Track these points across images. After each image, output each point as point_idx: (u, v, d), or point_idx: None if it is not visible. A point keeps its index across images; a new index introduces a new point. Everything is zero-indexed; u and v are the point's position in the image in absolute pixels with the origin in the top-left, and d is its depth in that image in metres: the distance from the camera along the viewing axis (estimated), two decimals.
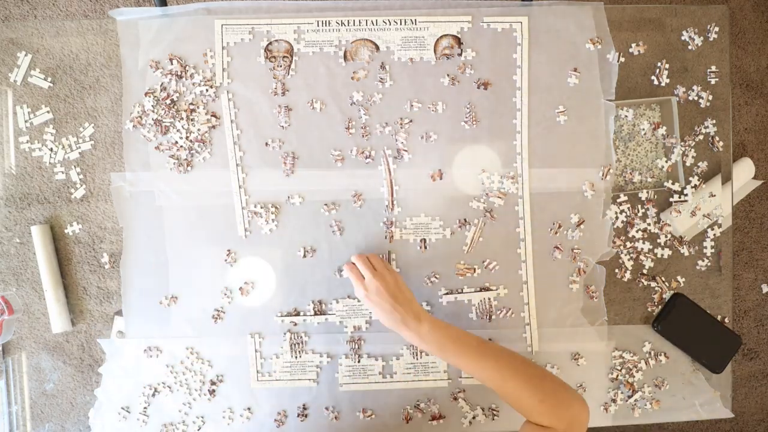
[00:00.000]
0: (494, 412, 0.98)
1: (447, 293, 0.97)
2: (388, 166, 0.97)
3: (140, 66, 0.95)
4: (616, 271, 1.01)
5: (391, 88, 0.96)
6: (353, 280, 0.88)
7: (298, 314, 0.97)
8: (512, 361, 0.81)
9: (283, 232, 0.96)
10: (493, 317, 0.98)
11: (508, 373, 0.80)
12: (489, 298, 0.98)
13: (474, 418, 0.98)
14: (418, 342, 0.83)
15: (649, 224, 1.01)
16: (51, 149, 0.98)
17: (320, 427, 0.97)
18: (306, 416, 0.97)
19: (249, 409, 0.97)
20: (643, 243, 1.01)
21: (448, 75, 0.97)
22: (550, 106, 0.98)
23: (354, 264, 0.90)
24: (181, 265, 0.96)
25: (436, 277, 0.97)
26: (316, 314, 0.97)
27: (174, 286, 0.96)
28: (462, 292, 0.98)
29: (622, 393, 1.00)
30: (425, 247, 0.97)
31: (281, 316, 0.96)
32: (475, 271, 0.97)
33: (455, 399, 0.98)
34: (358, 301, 0.96)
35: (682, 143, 1.01)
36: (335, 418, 0.97)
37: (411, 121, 0.97)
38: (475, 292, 0.98)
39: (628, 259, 1.01)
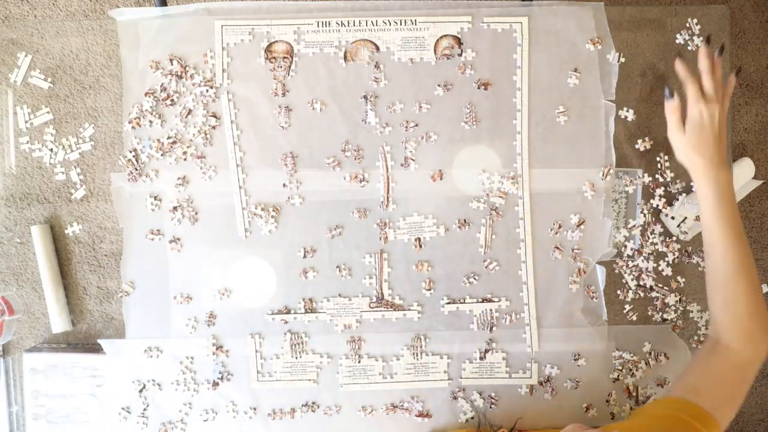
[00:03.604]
0: (493, 400, 0.98)
1: (449, 302, 0.97)
2: (385, 162, 0.96)
3: (140, 66, 0.95)
4: (618, 292, 1.01)
5: (390, 89, 0.96)
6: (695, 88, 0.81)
7: (288, 312, 0.97)
8: (753, 264, 0.78)
9: (283, 232, 0.96)
10: (495, 329, 0.98)
11: (747, 272, 0.76)
12: (491, 309, 0.98)
13: (471, 419, 0.98)
14: (709, 181, 0.78)
15: (656, 243, 1.01)
16: (51, 149, 0.98)
17: (320, 426, 0.98)
18: (306, 416, 0.97)
19: (249, 409, 0.97)
20: (647, 261, 1.00)
21: (448, 75, 0.97)
22: (550, 106, 0.98)
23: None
24: (181, 266, 0.96)
25: (433, 281, 0.97)
26: (306, 312, 0.97)
27: (174, 287, 0.96)
28: (464, 302, 0.98)
29: (619, 396, 1.00)
30: (420, 246, 0.97)
31: (272, 314, 0.96)
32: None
33: (455, 398, 0.98)
34: (364, 300, 0.96)
35: None
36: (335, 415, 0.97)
37: (410, 121, 0.96)
38: (477, 302, 0.98)
39: (632, 279, 1.01)
